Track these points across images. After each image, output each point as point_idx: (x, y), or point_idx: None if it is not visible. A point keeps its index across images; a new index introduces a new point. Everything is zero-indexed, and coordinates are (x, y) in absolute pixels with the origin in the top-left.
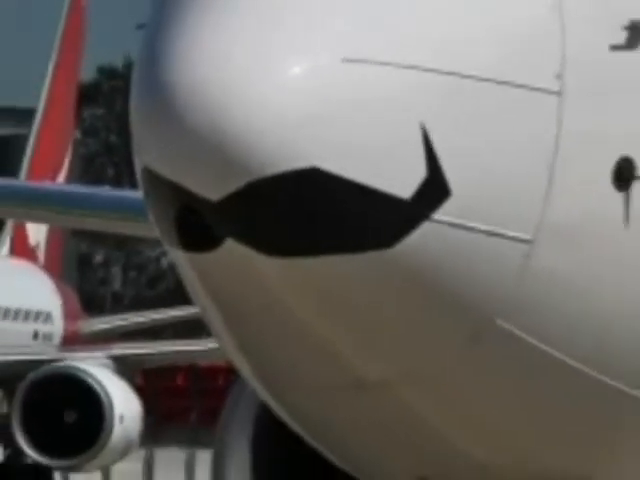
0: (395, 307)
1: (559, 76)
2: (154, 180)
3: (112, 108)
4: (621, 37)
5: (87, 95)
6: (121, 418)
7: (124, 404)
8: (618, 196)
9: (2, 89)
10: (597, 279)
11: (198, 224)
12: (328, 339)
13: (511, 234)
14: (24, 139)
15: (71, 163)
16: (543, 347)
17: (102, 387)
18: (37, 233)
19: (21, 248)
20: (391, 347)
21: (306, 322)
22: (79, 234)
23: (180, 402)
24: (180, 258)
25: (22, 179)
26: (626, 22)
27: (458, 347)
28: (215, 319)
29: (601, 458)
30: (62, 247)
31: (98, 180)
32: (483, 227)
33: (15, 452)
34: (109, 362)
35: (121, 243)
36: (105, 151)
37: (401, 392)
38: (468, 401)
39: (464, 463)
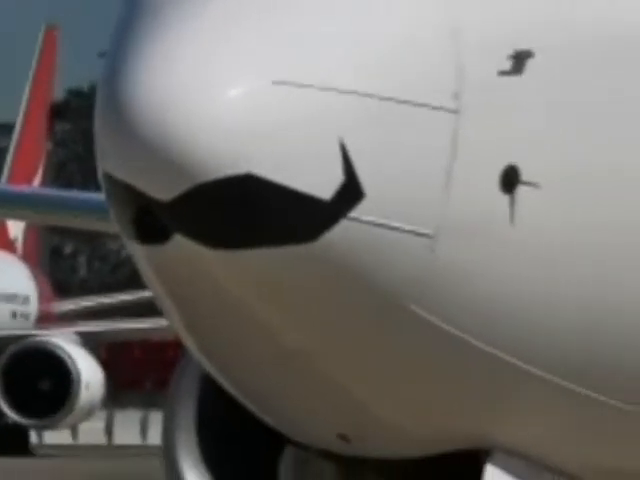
0: (318, 291)
1: (456, 96)
2: (114, 183)
3: (79, 123)
4: (508, 64)
5: (58, 112)
6: (87, 385)
7: (89, 373)
8: (505, 198)
9: None
10: (489, 269)
11: (151, 221)
12: (262, 318)
13: (416, 230)
14: (5, 150)
15: (44, 170)
16: (445, 327)
17: (71, 359)
18: (16, 229)
19: (2, 241)
20: (315, 325)
21: (243, 304)
22: (51, 230)
23: (136, 371)
24: (136, 250)
25: (3, 183)
26: (511, 51)
27: (372, 325)
28: (166, 302)
29: (499, 423)
30: (37, 240)
31: (68, 184)
32: (392, 224)
33: None
34: (76, 338)
35: (87, 237)
36: (74, 159)
37: (322, 362)
38: (379, 371)
39: (377, 424)
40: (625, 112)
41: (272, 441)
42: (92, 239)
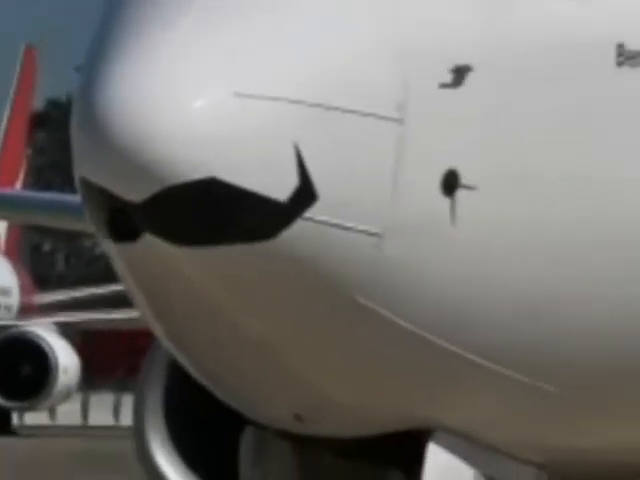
0: (276, 285)
1: (400, 107)
2: (89, 187)
3: (57, 132)
4: (448, 77)
5: (38, 122)
6: (64, 370)
7: (66, 360)
8: (446, 200)
9: None
10: (432, 265)
11: (123, 221)
12: (224, 309)
13: (365, 229)
14: None
15: (25, 175)
16: (392, 318)
17: (50, 347)
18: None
19: None
20: (273, 315)
21: (207, 297)
22: (32, 229)
23: (109, 358)
24: (110, 248)
25: None
26: (452, 66)
27: (325, 316)
28: (137, 294)
29: (441, 405)
30: (19, 238)
31: (46, 187)
32: (343, 224)
33: None
34: (55, 327)
35: (64, 236)
36: (52, 165)
37: (279, 349)
38: (331, 357)
39: (329, 406)
40: (553, 120)
41: (234, 422)
42: (69, 237)
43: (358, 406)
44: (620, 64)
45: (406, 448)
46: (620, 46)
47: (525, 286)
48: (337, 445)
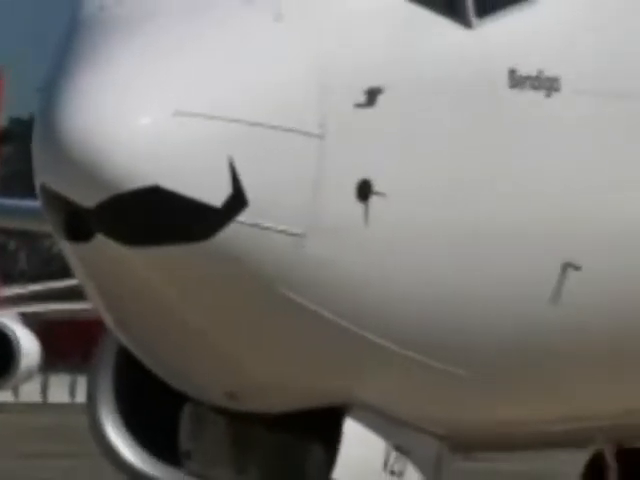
0: (211, 280)
1: (321, 125)
2: (48, 194)
3: (20, 146)
4: (362, 98)
5: (4, 137)
6: (26, 354)
7: (28, 345)
8: (361, 205)
9: None
10: (348, 261)
11: (78, 223)
12: (164, 300)
13: (289, 230)
14: None
15: None
16: (311, 306)
17: (13, 333)
18: None
19: None
20: (208, 305)
21: (151, 290)
22: None
23: (66, 344)
24: (66, 247)
25: None
26: (366, 87)
27: (254, 306)
28: (90, 288)
29: (357, 384)
30: None
31: (11, 194)
32: (271, 226)
33: None
34: (18, 317)
35: (26, 236)
36: (15, 175)
37: (213, 335)
38: (259, 342)
39: (258, 384)
40: (452, 136)
41: (175, 400)
42: (31, 238)
43: (283, 385)
44: (512, 87)
45: (327, 423)
46: (512, 71)
47: (431, 279)
48: (266, 420)
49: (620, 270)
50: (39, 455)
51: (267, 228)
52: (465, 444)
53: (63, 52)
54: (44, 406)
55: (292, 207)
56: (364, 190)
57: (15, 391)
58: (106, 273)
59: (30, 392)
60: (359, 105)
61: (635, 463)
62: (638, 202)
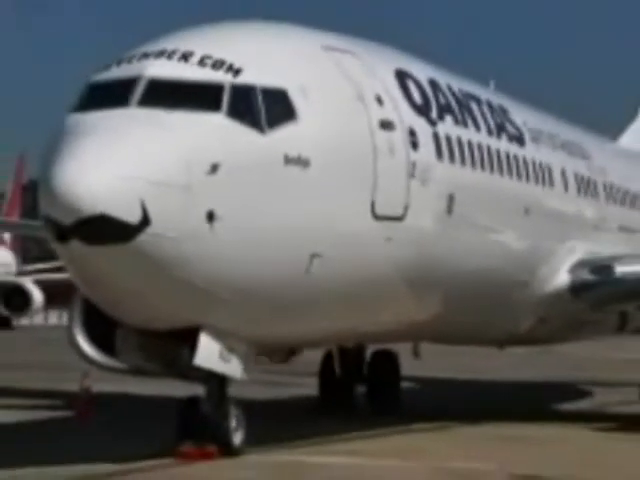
0: (129, 259)
1: (188, 183)
2: (46, 217)
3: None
4: (209, 169)
5: (27, 187)
6: (35, 300)
7: (37, 295)
8: (208, 225)
9: None
10: (202, 251)
11: (61, 232)
12: (106, 273)
13: (170, 236)
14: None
15: (19, 210)
16: (180, 274)
17: (29, 289)
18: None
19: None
20: (131, 275)
21: (99, 268)
22: (25, 236)
23: (60, 295)
24: (55, 245)
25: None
26: (211, 162)
27: (151, 271)
28: (68, 266)
29: (208, 316)
30: (18, 241)
31: (33, 216)
32: (161, 233)
33: None
34: (32, 281)
35: (40, 240)
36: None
37: (128, 287)
38: (152, 291)
39: (151, 316)
40: (253, 186)
41: (113, 323)
42: (41, 240)
43: (163, 314)
44: (285, 164)
45: (192, 334)
46: (285, 155)
47: (245, 259)
48: (158, 333)
49: (344, 256)
50: (41, 353)
51: (159, 235)
52: (262, 346)
53: (52, 141)
54: (45, 327)
55: (172, 224)
56: (210, 215)
57: (30, 319)
58: (76, 259)
59: (37, 320)
60: (208, 173)
61: (351, 355)
62: (341, 217)
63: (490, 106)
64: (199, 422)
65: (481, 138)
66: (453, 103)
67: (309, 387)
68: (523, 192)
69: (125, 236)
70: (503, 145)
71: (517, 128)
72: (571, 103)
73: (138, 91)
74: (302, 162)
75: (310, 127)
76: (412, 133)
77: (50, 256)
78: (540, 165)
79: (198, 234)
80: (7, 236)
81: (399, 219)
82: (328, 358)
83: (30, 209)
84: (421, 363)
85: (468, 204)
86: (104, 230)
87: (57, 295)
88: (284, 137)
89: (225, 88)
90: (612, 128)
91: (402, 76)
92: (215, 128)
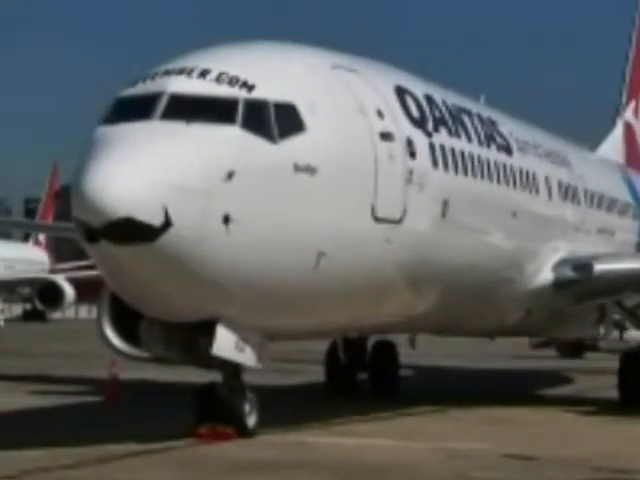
0: (153, 258)
1: (206, 189)
2: (77, 219)
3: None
4: (226, 176)
5: (60, 193)
6: (68, 295)
7: (69, 291)
8: (224, 226)
9: None
10: (218, 250)
11: (91, 233)
12: (133, 270)
13: (190, 236)
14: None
15: (53, 214)
16: (197, 269)
17: (62, 285)
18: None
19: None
20: (151, 268)
21: (127, 266)
22: (58, 237)
23: (90, 292)
24: (86, 245)
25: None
26: (227, 170)
27: (172, 268)
28: (98, 264)
29: (223, 309)
30: (51, 242)
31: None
32: (183, 234)
33: None
34: (65, 278)
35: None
36: (66, 209)
37: (152, 284)
38: (174, 288)
39: (170, 310)
40: (267, 193)
41: (138, 315)
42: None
43: (183, 308)
44: (295, 172)
45: (209, 326)
46: (295, 164)
47: (257, 258)
48: (179, 325)
49: (347, 255)
50: (72, 343)
51: (180, 236)
52: (274, 335)
53: (84, 151)
54: (76, 320)
55: (192, 226)
56: (226, 219)
57: (62, 313)
58: (105, 258)
59: (68, 314)
60: (224, 179)
61: (355, 345)
62: (345, 219)
63: (480, 119)
64: (216, 406)
65: (472, 148)
66: (447, 116)
67: (316, 374)
68: (511, 197)
69: (149, 237)
70: (492, 154)
71: (505, 139)
72: (554, 116)
73: (160, 106)
74: (310, 170)
75: (317, 138)
76: (410, 143)
77: (81, 255)
78: (526, 173)
79: (215, 235)
80: (42, 237)
81: (398, 222)
82: (333, 347)
83: (63, 212)
84: (417, 352)
85: (461, 208)
86: (130, 231)
87: (87, 291)
88: (294, 147)
89: (240, 102)
90: (591, 139)
91: (401, 92)
92: (231, 139)
